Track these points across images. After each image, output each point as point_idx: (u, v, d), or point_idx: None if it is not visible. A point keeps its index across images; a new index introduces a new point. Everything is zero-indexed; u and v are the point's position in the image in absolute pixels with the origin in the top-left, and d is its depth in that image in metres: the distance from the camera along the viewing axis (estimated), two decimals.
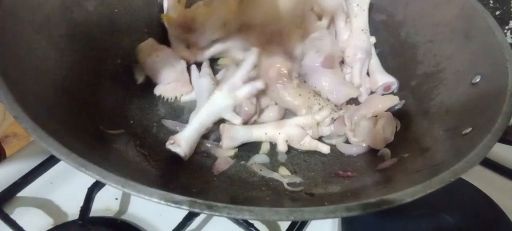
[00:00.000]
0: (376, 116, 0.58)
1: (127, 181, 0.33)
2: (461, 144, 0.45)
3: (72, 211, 0.56)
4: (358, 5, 0.66)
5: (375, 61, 0.67)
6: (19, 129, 0.64)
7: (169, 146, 0.52)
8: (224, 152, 0.56)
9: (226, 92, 0.55)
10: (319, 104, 0.58)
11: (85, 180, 0.50)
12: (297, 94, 0.58)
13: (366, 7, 0.67)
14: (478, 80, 0.51)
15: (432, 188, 0.36)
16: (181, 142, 0.51)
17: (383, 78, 0.64)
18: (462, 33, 0.57)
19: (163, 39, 0.68)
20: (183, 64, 0.63)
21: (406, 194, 0.35)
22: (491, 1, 0.78)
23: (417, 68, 0.63)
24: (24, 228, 0.51)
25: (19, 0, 0.48)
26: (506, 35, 0.81)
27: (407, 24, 0.66)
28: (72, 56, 0.54)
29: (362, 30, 0.65)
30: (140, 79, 0.63)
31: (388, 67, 0.67)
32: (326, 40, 0.61)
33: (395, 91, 0.65)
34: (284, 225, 0.55)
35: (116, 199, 0.58)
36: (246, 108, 0.56)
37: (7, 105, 0.38)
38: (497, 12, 0.79)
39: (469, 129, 0.46)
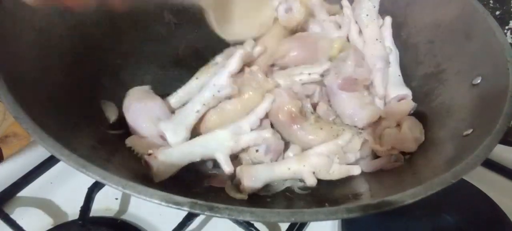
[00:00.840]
0: (398, 125, 0.55)
1: (128, 182, 0.33)
2: (462, 145, 0.45)
3: (72, 211, 0.56)
4: (367, 15, 0.64)
5: (391, 71, 0.62)
6: (19, 129, 0.63)
7: (146, 157, 0.46)
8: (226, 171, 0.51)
9: (229, 133, 0.49)
10: (344, 129, 0.54)
11: (85, 180, 0.49)
12: (318, 129, 0.53)
13: (375, 16, 0.65)
14: (478, 81, 0.51)
15: (433, 190, 0.36)
16: (159, 155, 0.45)
17: (395, 91, 0.60)
18: (463, 34, 0.56)
19: (162, 38, 0.69)
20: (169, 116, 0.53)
21: (407, 195, 0.35)
22: (491, 1, 0.78)
23: (418, 69, 0.62)
24: (24, 228, 0.51)
25: (19, 0, 0.48)
26: (506, 35, 0.81)
27: (408, 25, 0.66)
28: (72, 56, 0.54)
29: (376, 39, 0.63)
30: (112, 118, 0.55)
31: None
32: (349, 62, 0.57)
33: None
34: (284, 225, 0.55)
35: (116, 199, 0.58)
36: (273, 146, 0.51)
37: (7, 105, 0.38)
38: (497, 12, 0.79)
39: (470, 130, 0.46)
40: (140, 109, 0.53)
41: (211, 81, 0.53)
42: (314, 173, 0.50)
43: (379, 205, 0.34)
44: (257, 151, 0.51)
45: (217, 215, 0.32)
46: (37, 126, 0.36)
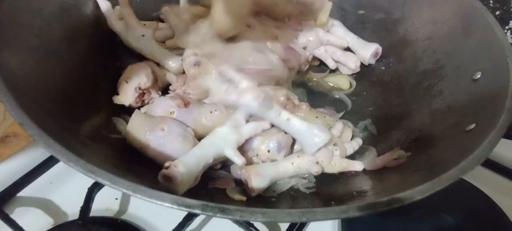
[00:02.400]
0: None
1: (138, 186, 0.33)
2: (466, 141, 0.45)
3: (72, 211, 0.56)
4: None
5: (351, 39, 0.69)
6: (19, 129, 0.63)
7: (164, 170, 0.44)
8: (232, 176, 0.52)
9: (229, 127, 0.50)
10: (335, 121, 0.55)
11: (85, 180, 0.49)
12: (313, 117, 0.55)
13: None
14: (479, 76, 0.51)
15: (441, 185, 0.36)
16: (179, 164, 0.44)
17: (367, 51, 0.67)
18: (461, 30, 0.57)
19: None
20: (191, 131, 0.52)
21: (416, 191, 0.35)
22: (491, 1, 0.78)
23: (417, 66, 0.63)
24: (24, 228, 0.51)
25: (18, 4, 0.48)
26: (506, 35, 0.81)
27: (405, 22, 0.67)
28: (72, 59, 0.54)
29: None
30: (124, 131, 0.53)
31: (388, 65, 0.67)
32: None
33: (380, 52, 0.68)
34: (284, 225, 0.55)
35: (116, 199, 0.58)
36: (284, 142, 0.51)
37: (8, 106, 0.37)
38: (497, 12, 0.79)
39: (473, 125, 0.46)
40: (162, 136, 0.49)
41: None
42: (317, 163, 0.50)
43: (389, 202, 0.34)
44: (268, 151, 0.51)
45: (229, 216, 0.32)
46: (43, 132, 0.36)
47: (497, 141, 0.40)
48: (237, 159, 0.48)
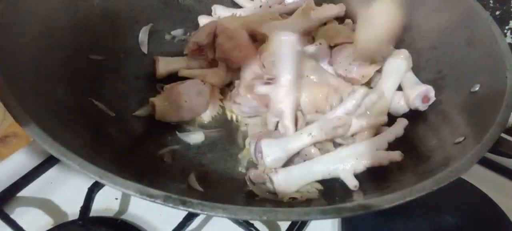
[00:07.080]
0: None
1: (105, 172, 0.34)
2: (452, 153, 0.45)
3: (72, 211, 0.56)
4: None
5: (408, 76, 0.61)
6: (19, 129, 0.63)
7: (269, 173, 0.47)
8: None
9: (351, 151, 0.49)
10: None
11: (85, 180, 0.50)
12: None
13: None
14: (477, 89, 0.51)
15: (412, 196, 0.36)
16: (280, 172, 0.47)
17: (414, 91, 0.56)
18: (466, 40, 0.57)
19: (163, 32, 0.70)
20: (206, 89, 0.59)
21: (385, 200, 0.35)
22: (491, 1, 0.79)
23: (419, 75, 0.62)
24: (24, 228, 0.52)
25: None
26: (506, 35, 0.81)
27: (412, 29, 0.66)
28: (75, 49, 0.55)
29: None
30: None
31: None
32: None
33: (432, 97, 0.57)
34: (284, 225, 0.55)
35: (116, 199, 0.58)
36: None
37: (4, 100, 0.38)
38: (497, 12, 0.79)
39: (462, 138, 0.46)
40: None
41: (324, 116, 0.54)
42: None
43: (354, 208, 0.34)
44: None
45: (190, 209, 0.33)
46: (29, 116, 0.36)
47: (481, 155, 0.40)
48: (351, 181, 0.47)
